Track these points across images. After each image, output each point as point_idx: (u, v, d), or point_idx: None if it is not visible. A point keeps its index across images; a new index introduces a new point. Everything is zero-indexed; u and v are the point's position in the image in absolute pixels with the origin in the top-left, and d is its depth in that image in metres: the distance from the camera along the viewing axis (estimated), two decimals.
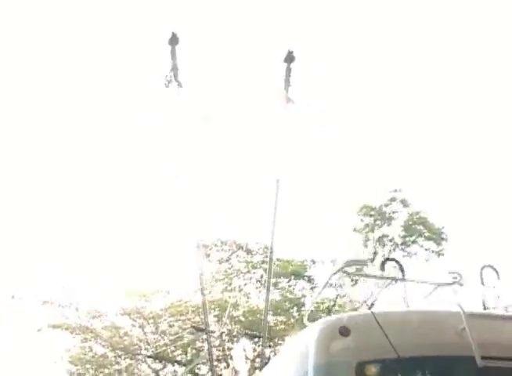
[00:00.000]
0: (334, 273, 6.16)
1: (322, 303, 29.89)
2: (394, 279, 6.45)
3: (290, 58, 15.25)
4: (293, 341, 6.46)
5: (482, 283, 6.09)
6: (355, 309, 30.63)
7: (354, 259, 6.49)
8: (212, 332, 25.29)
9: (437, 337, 4.67)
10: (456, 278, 6.56)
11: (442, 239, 29.15)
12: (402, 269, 6.56)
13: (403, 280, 6.45)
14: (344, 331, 4.48)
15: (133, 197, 28.71)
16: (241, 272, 29.08)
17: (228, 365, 29.77)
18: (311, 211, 28.97)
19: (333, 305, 29.98)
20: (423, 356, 4.54)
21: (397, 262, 7.15)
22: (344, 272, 6.04)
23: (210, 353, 20.64)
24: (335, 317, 5.40)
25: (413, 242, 29.42)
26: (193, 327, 26.96)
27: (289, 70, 15.16)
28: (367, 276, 6.90)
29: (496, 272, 6.16)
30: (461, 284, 6.35)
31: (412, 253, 29.42)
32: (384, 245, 29.51)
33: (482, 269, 6.13)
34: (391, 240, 29.45)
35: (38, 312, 30.90)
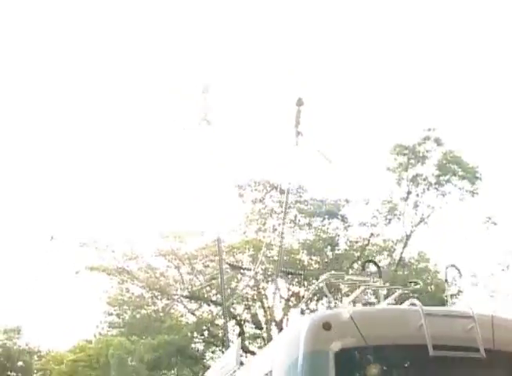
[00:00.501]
0: (316, 285, 8.07)
1: (356, 242, 30.17)
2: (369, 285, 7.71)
3: None
4: (286, 332, 8.53)
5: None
6: (387, 248, 30.99)
7: (333, 273, 7.59)
8: (247, 269, 25.68)
9: (400, 330, 6.10)
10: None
11: (476, 178, 28.93)
12: (379, 271, 8.28)
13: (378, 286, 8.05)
14: (327, 326, 5.93)
15: (170, 139, 28.88)
16: (275, 213, 29.30)
17: (262, 305, 30.35)
18: (345, 151, 29.00)
19: (367, 245, 30.22)
20: (387, 344, 5.95)
21: (375, 263, 8.53)
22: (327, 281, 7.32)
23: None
24: (320, 314, 6.95)
25: (447, 181, 29.24)
26: (228, 264, 27.24)
27: None
28: (348, 283, 7.88)
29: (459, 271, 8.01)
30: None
31: (446, 192, 29.31)
32: (417, 184, 29.44)
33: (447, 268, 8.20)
34: (424, 180, 29.35)
35: (76, 254, 31.64)
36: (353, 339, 5.92)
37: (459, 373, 6.14)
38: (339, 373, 5.72)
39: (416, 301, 6.56)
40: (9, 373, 50.86)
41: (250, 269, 26.19)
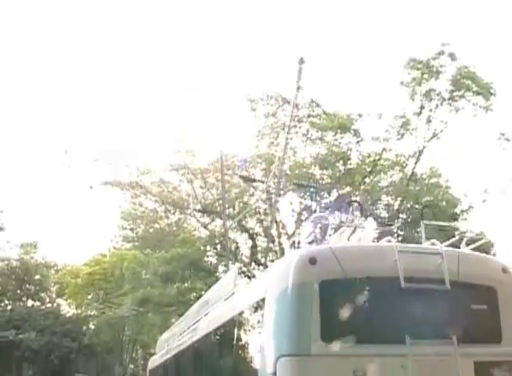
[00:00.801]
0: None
1: (368, 157, 30.15)
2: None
3: None
4: (278, 264, 9.28)
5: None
6: (399, 163, 31.00)
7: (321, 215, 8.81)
8: (260, 181, 25.76)
9: (376, 264, 7.05)
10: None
11: (491, 94, 28.49)
12: (361, 210, 9.28)
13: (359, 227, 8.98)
14: (313, 261, 6.88)
15: (184, 52, 28.58)
16: (287, 127, 29.19)
17: (275, 218, 30.68)
18: (359, 65, 28.63)
19: (379, 159, 30.22)
20: (364, 276, 6.92)
21: (359, 203, 10.19)
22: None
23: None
24: (307, 250, 7.56)
25: (461, 97, 28.86)
26: (241, 176, 27.32)
27: None
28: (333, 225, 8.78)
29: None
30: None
31: (460, 108, 29.00)
32: (430, 99, 29.10)
33: None
34: (438, 95, 28.97)
35: (90, 169, 31.92)
36: (335, 272, 6.89)
37: (428, 303, 7.12)
38: (322, 301, 6.73)
39: (391, 238, 8.03)
40: (27, 286, 52.41)
41: (263, 182, 26.23)
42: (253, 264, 31.82)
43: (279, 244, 30.55)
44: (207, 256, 33.11)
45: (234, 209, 30.59)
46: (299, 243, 29.99)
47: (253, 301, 8.20)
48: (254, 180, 25.77)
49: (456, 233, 8.39)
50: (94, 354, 44.05)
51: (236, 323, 9.02)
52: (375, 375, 6.67)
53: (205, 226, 32.70)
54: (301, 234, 30.39)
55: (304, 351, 6.59)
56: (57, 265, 54.86)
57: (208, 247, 32.34)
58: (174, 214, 34.72)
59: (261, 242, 31.83)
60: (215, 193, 30.46)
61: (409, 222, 30.65)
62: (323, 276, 6.88)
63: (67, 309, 53.17)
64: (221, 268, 33.52)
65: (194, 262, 30.39)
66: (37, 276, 51.98)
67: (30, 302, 52.89)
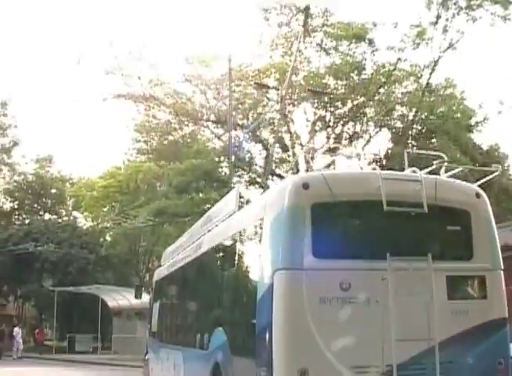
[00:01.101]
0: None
1: (383, 67, 29.97)
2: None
3: None
4: (275, 188, 10.17)
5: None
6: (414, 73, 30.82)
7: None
8: (274, 88, 25.75)
9: (362, 189, 7.85)
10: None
11: (509, 3, 27.91)
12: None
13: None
14: (306, 186, 7.73)
15: None
16: (301, 36, 28.88)
17: (289, 129, 30.90)
18: None
19: (394, 70, 30.04)
20: (351, 200, 7.84)
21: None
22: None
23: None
24: (300, 176, 8.69)
25: (478, 6, 28.23)
26: (256, 83, 27.25)
27: None
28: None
29: None
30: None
31: (477, 17, 28.45)
32: (447, 8, 28.56)
33: None
34: (455, 4, 28.39)
35: (103, 82, 31.97)
36: (325, 196, 7.77)
37: (407, 224, 8.12)
38: (314, 222, 7.67)
39: (377, 167, 9.53)
40: (43, 200, 53.45)
41: (277, 88, 26.16)
42: (267, 174, 32.22)
43: (293, 154, 30.87)
44: (221, 167, 33.50)
45: (248, 120, 30.74)
46: (313, 153, 30.38)
47: (252, 221, 9.17)
48: (268, 87, 25.65)
49: (435, 162, 8.89)
50: (111, 265, 45.24)
51: (237, 239, 9.95)
52: (359, 287, 7.61)
53: (219, 137, 32.94)
54: (314, 144, 30.78)
55: (298, 265, 7.54)
56: (72, 178, 55.78)
57: (222, 158, 32.63)
58: (187, 125, 34.92)
59: (276, 153, 32.12)
60: (229, 103, 30.45)
61: (423, 133, 30.81)
62: (315, 200, 7.77)
63: (84, 221, 54.45)
64: (235, 179, 34.04)
65: (208, 172, 30.81)
66: (53, 190, 52.94)
67: (47, 216, 54.14)
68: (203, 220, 14.21)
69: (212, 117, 31.05)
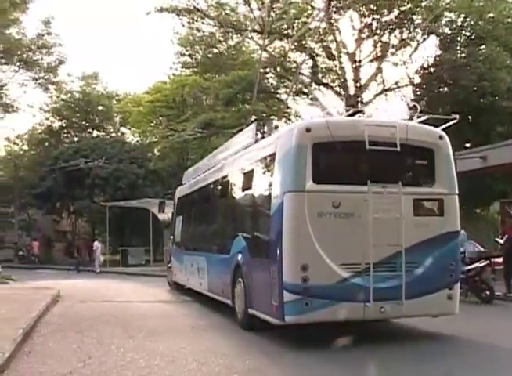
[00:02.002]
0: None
1: None
2: None
3: None
4: (285, 129, 12.29)
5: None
6: None
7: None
8: None
9: (352, 132, 10.50)
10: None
11: None
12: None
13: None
14: (308, 130, 10.38)
15: None
16: None
17: (335, 38, 30.89)
18: None
19: None
20: (344, 140, 10.47)
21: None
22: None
23: None
24: (305, 122, 11.68)
25: None
26: None
27: None
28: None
29: None
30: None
31: None
32: None
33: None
34: None
35: None
36: (324, 137, 10.42)
37: (384, 159, 10.71)
38: (314, 157, 10.32)
39: (363, 114, 12.12)
40: (91, 117, 54.69)
41: None
42: (313, 84, 32.51)
43: (340, 63, 30.98)
44: (267, 78, 33.80)
45: (293, 29, 30.78)
46: (360, 61, 30.49)
47: (267, 154, 11.84)
48: None
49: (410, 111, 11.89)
50: (160, 179, 46.33)
51: (254, 166, 12.66)
52: (346, 205, 10.26)
53: (264, 48, 33.04)
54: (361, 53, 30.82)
55: (301, 188, 10.18)
56: (119, 94, 56.76)
57: (268, 69, 32.89)
58: (232, 38, 35.11)
59: (322, 63, 32.25)
60: (273, 13, 30.46)
61: (472, 39, 30.46)
62: (315, 140, 10.39)
63: (131, 137, 55.77)
64: (282, 89, 34.42)
65: (254, 84, 31.18)
66: (100, 107, 53.97)
67: (95, 133, 55.52)
68: (221, 149, 17.56)
69: (257, 28, 31.05)
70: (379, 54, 30.51)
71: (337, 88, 31.78)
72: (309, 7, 30.15)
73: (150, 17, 34.35)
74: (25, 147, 57.27)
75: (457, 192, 11.10)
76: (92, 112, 53.96)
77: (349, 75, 31.20)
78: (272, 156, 11.22)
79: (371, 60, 30.79)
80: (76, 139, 54.36)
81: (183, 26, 34.10)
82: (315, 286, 9.89)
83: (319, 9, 29.75)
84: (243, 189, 13.20)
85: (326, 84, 32.06)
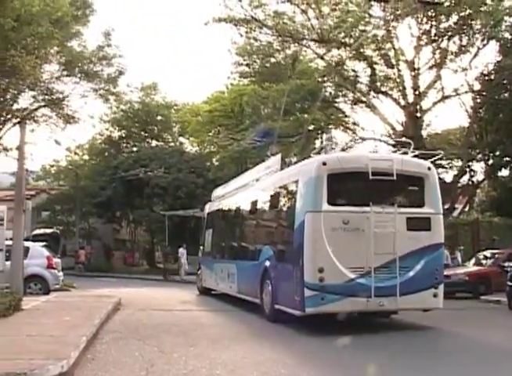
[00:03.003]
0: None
1: None
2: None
3: None
4: (305, 163, 14.85)
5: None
6: None
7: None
8: (383, 1, 25.78)
9: (358, 165, 13.36)
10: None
11: None
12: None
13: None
14: (324, 163, 13.33)
15: None
16: None
17: (393, 45, 31.30)
18: None
19: None
20: (353, 171, 13.43)
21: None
22: None
23: None
24: (322, 157, 14.21)
25: None
26: None
27: None
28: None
29: None
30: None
31: None
32: None
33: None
34: None
35: (203, 6, 32.88)
36: (337, 169, 13.37)
37: (383, 186, 13.56)
38: (328, 184, 13.16)
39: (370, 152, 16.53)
40: (150, 127, 56.13)
41: (388, 1, 26.09)
42: (372, 92, 32.94)
43: (398, 71, 31.38)
44: (325, 87, 34.33)
45: (351, 38, 31.24)
46: (418, 69, 30.85)
47: (291, 180, 14.93)
48: (378, 0, 25.66)
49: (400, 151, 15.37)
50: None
51: (280, 191, 15.92)
52: (353, 222, 13.14)
53: (321, 57, 33.66)
54: (420, 60, 31.16)
55: (319, 209, 13.14)
56: (177, 104, 58.11)
57: (326, 78, 33.41)
58: (289, 47, 35.79)
59: (380, 71, 32.63)
60: (331, 22, 30.93)
61: None
62: (329, 172, 13.30)
63: (190, 146, 56.95)
64: (340, 98, 34.89)
65: (312, 93, 31.81)
66: (159, 117, 55.39)
67: (154, 143, 56.93)
68: (249, 173, 21.88)
69: (314, 36, 31.60)
70: (438, 61, 30.79)
71: (396, 96, 32.16)
72: (367, 15, 30.46)
73: (208, 28, 35.18)
74: (85, 157, 59.20)
75: (441, 212, 14.30)
76: (151, 122, 55.30)
77: (408, 83, 31.60)
78: (296, 182, 14.34)
79: (430, 67, 31.09)
80: (135, 148, 55.81)
81: (241, 36, 34.93)
82: (329, 284, 12.81)
83: (378, 17, 30.13)
84: (270, 208, 16.71)
85: (384, 93, 32.46)
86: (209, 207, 25.23)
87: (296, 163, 18.14)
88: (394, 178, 13.34)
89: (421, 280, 13.33)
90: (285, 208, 15.40)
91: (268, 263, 15.42)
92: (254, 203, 18.13)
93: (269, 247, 15.77)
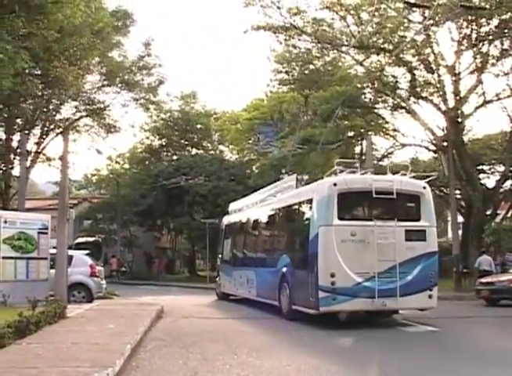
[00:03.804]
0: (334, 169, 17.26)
1: None
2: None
3: None
4: (319, 183, 16.97)
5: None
6: None
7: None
8: (425, 7, 25.61)
9: (364, 185, 15.76)
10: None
11: None
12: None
13: None
14: (334, 184, 15.59)
15: None
16: None
17: (433, 50, 31.09)
18: None
19: None
20: (358, 190, 15.85)
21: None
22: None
23: None
24: (333, 179, 16.13)
25: None
26: (406, 2, 26.83)
27: None
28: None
29: None
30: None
31: None
32: None
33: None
34: None
35: (242, 14, 33.01)
36: (345, 189, 15.57)
37: (385, 203, 15.97)
38: (339, 202, 15.35)
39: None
40: (190, 135, 56.78)
41: (428, 7, 25.99)
42: (412, 98, 32.79)
43: (439, 76, 31.21)
44: (365, 93, 34.33)
45: (390, 43, 31.19)
46: (459, 73, 30.62)
47: (307, 198, 17.05)
48: (418, 5, 25.54)
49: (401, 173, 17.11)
50: None
51: (296, 207, 18.22)
52: (359, 234, 15.31)
53: (361, 63, 33.67)
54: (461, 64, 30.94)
55: (330, 223, 15.32)
56: (217, 113, 58.74)
57: (365, 84, 33.39)
58: (328, 54, 35.86)
59: (420, 76, 32.48)
60: (370, 28, 30.88)
61: None
62: (339, 191, 15.50)
63: (229, 154, 57.40)
64: (380, 104, 34.79)
65: (352, 99, 31.85)
66: (199, 125, 56.06)
67: (194, 151, 57.59)
68: (266, 189, 23.79)
69: (353, 43, 31.59)
70: (479, 65, 30.57)
71: (436, 102, 32.00)
72: (406, 20, 30.36)
73: (247, 36, 35.48)
74: (126, 166, 60.09)
75: (435, 225, 16.50)
76: (191, 130, 56.00)
77: (448, 88, 31.42)
78: (310, 200, 16.55)
79: (471, 72, 30.87)
80: (175, 157, 56.51)
81: (280, 43, 35.23)
82: (340, 287, 15.02)
83: (418, 22, 29.99)
84: (287, 221, 19.42)
85: (424, 98, 32.34)
86: (227, 220, 27.37)
87: (308, 182, 19.84)
88: (395, 196, 15.75)
89: (418, 283, 15.51)
90: (301, 222, 17.73)
91: (285, 269, 17.75)
92: (273, 216, 20.83)
93: (287, 255, 18.06)
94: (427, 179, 17.15)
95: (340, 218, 15.43)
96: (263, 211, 21.86)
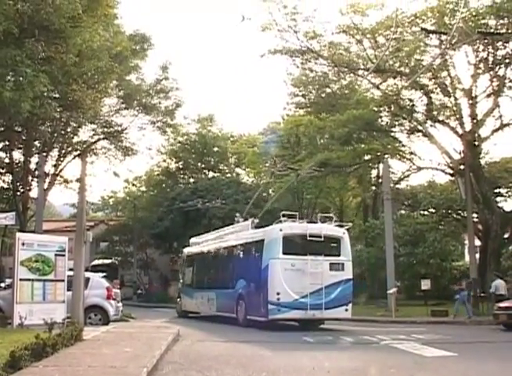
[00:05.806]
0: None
1: None
2: None
3: None
4: (269, 229, 23.32)
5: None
6: None
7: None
8: (442, 33, 25.76)
9: (301, 230, 22.78)
10: None
11: None
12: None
13: None
14: (281, 230, 22.58)
15: None
16: None
17: (449, 73, 31.26)
18: None
19: None
20: (298, 234, 22.94)
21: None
22: None
23: None
24: (279, 225, 22.81)
25: None
26: (423, 29, 26.84)
27: None
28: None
29: None
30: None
31: None
32: None
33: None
34: None
35: (258, 38, 33.50)
36: (288, 233, 22.49)
37: (315, 244, 22.30)
38: (284, 243, 22.18)
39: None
40: (206, 158, 57.03)
41: (445, 33, 26.22)
42: (428, 121, 32.85)
43: (455, 99, 31.31)
44: (381, 116, 34.44)
45: (407, 66, 31.38)
46: (476, 97, 30.71)
47: (259, 238, 23.27)
48: (436, 32, 25.75)
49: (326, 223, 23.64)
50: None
51: (249, 244, 24.46)
52: (297, 265, 21.85)
53: (377, 87, 33.86)
54: (477, 88, 31.02)
55: (277, 257, 22.02)
56: (234, 136, 59.05)
57: (382, 108, 33.50)
58: (344, 78, 36.11)
59: (436, 99, 32.58)
60: (386, 52, 31.07)
61: None
62: (284, 234, 22.19)
63: (246, 177, 57.51)
64: (397, 127, 34.87)
65: (369, 122, 31.97)
66: (216, 148, 56.26)
67: (210, 174, 57.80)
68: (220, 230, 31.06)
69: (369, 66, 31.80)
70: (495, 88, 30.63)
71: (453, 125, 32.05)
72: (422, 44, 30.55)
73: (264, 60, 35.78)
74: (143, 188, 60.40)
75: (351, 259, 23.14)
76: (208, 153, 56.22)
77: (465, 111, 31.49)
78: (263, 240, 22.85)
79: (488, 95, 30.94)
80: (192, 180, 56.79)
81: (297, 67, 35.64)
82: (283, 302, 21.60)
83: (434, 45, 30.16)
84: (244, 254, 25.17)
85: (441, 121, 32.40)
86: (188, 251, 33.76)
87: (258, 226, 25.75)
88: (322, 238, 22.41)
89: (338, 300, 22.24)
90: (255, 255, 23.81)
91: (242, 290, 24.13)
92: (232, 249, 26.52)
93: (243, 279, 24.24)
94: (346, 227, 24.17)
95: (284, 253, 22.01)
96: (223, 245, 27.80)
